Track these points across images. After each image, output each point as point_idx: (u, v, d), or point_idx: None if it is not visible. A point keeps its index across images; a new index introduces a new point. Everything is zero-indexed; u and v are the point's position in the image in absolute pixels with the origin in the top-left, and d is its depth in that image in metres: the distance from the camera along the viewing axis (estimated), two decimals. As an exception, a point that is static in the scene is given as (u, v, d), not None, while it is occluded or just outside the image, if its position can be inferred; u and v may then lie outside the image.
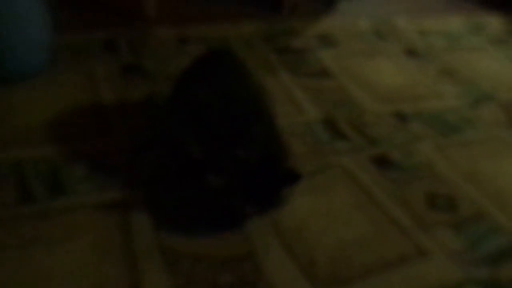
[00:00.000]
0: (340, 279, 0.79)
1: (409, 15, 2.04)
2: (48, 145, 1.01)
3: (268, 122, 0.91)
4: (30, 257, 0.75)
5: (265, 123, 0.89)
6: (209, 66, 0.99)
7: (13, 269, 0.73)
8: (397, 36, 1.80)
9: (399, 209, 0.97)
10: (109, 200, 0.89)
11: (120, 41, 1.46)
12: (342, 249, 0.85)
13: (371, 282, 0.80)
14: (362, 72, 1.49)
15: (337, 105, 1.31)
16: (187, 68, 1.04)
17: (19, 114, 1.09)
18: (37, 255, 0.76)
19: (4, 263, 0.74)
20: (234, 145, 0.82)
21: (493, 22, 2.05)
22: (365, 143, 1.17)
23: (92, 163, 0.97)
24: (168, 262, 0.78)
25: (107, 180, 0.94)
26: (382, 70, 1.53)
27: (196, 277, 0.76)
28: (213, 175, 0.87)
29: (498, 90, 1.51)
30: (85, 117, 1.11)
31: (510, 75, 1.63)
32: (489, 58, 1.72)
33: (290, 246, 0.84)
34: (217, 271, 0.78)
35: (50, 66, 1.26)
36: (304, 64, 1.49)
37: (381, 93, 1.40)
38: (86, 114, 1.12)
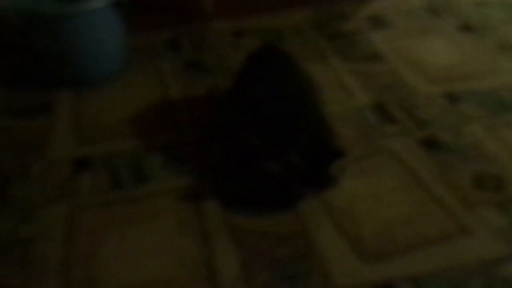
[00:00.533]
0: (385, 254, 0.89)
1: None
2: (130, 139, 1.19)
3: (314, 111, 1.01)
4: (123, 235, 0.93)
5: (311, 111, 0.99)
6: (261, 63, 1.11)
7: (111, 244, 0.92)
8: (451, 10, 1.77)
9: (445, 189, 1.03)
10: (183, 185, 1.05)
11: (182, 39, 1.60)
12: (387, 227, 0.94)
13: (413, 257, 0.88)
14: (414, 53, 1.51)
15: (387, 88, 1.36)
16: (243, 65, 1.17)
17: (104, 113, 1.28)
18: (129, 233, 0.94)
19: (104, 239, 0.93)
20: (285, 134, 0.94)
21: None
22: (414, 126, 1.22)
23: (167, 153, 1.14)
24: (235, 237, 0.93)
25: (180, 168, 1.10)
26: (434, 48, 1.54)
27: (258, 250, 0.90)
28: (270, 161, 0.99)
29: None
30: (158, 113, 1.28)
31: None
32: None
33: (340, 224, 0.95)
34: (276, 245, 0.91)
35: (125, 68, 1.44)
36: (354, 49, 1.54)
37: (432, 73, 1.42)
38: (158, 110, 1.29)
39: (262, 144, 1.02)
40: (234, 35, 1.63)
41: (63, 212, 0.99)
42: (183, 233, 0.94)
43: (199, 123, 1.24)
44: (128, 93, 1.35)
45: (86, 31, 1.27)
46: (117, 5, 1.31)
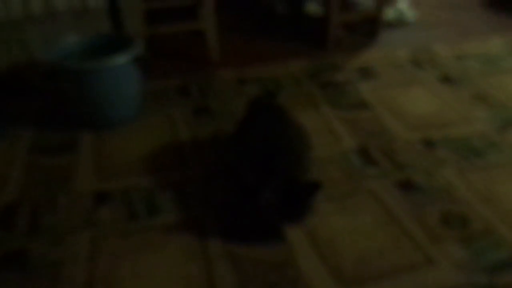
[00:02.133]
0: (361, 281, 1.05)
1: (450, 40, 2.17)
2: (144, 176, 1.36)
3: (294, 154, 1.20)
4: (138, 260, 1.09)
5: (292, 154, 1.19)
6: (257, 115, 1.31)
7: (128, 267, 1.07)
8: (434, 63, 1.98)
9: (415, 226, 1.19)
10: (190, 217, 1.21)
11: (191, 85, 1.81)
12: (364, 257, 1.10)
13: (386, 283, 1.04)
14: (396, 102, 1.70)
15: (371, 134, 1.54)
16: (243, 116, 1.37)
17: (121, 152, 1.46)
18: (142, 258, 1.10)
19: (122, 263, 1.09)
20: (272, 174, 1.12)
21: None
22: (392, 169, 1.39)
23: (176, 189, 1.31)
24: (233, 264, 1.09)
25: (187, 202, 1.27)
26: (416, 98, 1.73)
27: (254, 275, 1.06)
28: (264, 196, 1.16)
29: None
30: (168, 153, 1.46)
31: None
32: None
33: (322, 254, 1.11)
34: (269, 271, 1.07)
35: (141, 112, 1.64)
36: (344, 97, 1.73)
37: (412, 121, 1.60)
38: (169, 150, 1.47)
39: (256, 181, 1.20)
40: (238, 82, 1.83)
41: (87, 239, 1.15)
42: (189, 260, 1.10)
43: (204, 162, 1.41)
44: (142, 135, 1.54)
45: (110, 83, 1.47)
46: (137, 59, 1.52)
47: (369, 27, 2.24)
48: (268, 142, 1.21)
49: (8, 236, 1.16)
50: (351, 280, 1.05)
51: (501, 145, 1.48)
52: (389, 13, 2.36)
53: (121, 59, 1.45)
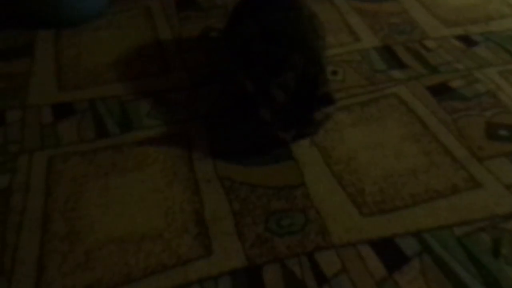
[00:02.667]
0: (387, 207, 0.83)
1: None
2: (115, 84, 1.10)
3: (309, 50, 0.90)
4: (107, 184, 0.87)
5: (306, 51, 0.89)
6: (260, 1, 0.99)
7: (94, 195, 0.85)
8: None
9: (455, 139, 0.95)
10: (172, 133, 0.97)
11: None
12: (391, 179, 0.88)
13: (418, 211, 0.82)
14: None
15: (398, 30, 1.25)
16: (239, 3, 1.05)
17: (87, 56, 1.18)
18: (113, 183, 0.88)
19: (87, 189, 0.87)
20: (276, 77, 0.85)
21: None
22: (424, 71, 1.12)
23: (155, 99, 1.05)
24: (226, 189, 0.86)
25: (169, 115, 1.02)
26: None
27: (251, 202, 0.84)
28: (264, 107, 0.90)
29: None
30: (146, 56, 1.18)
31: None
32: None
33: (339, 175, 0.88)
34: (270, 198, 0.85)
35: (110, 6, 1.32)
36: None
37: (448, 14, 1.30)
38: (147, 53, 1.19)
39: (255, 88, 0.93)
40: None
41: (42, 161, 0.92)
42: (171, 184, 0.87)
43: (190, 66, 1.14)
44: (113, 34, 1.24)
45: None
46: None
47: None
48: (275, 36, 0.91)
49: None
50: (375, 207, 0.83)
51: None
52: None
53: None
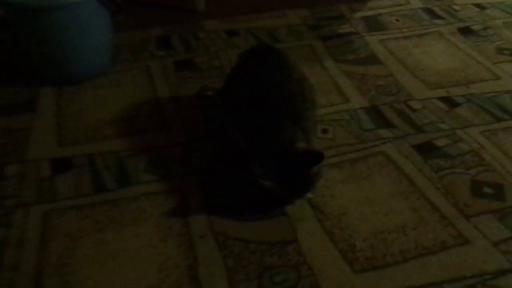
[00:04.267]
0: (378, 264, 0.84)
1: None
2: (114, 140, 1.13)
3: (301, 118, 0.96)
4: (103, 239, 0.88)
5: (296, 120, 0.95)
6: (253, 63, 1.06)
7: (91, 250, 0.86)
8: (451, 11, 1.73)
9: (442, 197, 0.98)
10: (168, 189, 1.00)
11: (173, 36, 1.55)
12: (381, 236, 0.90)
13: (409, 268, 0.84)
14: (412, 56, 1.47)
15: (384, 92, 1.32)
16: (235, 65, 1.12)
17: (87, 112, 1.22)
18: (109, 237, 0.88)
19: (82, 244, 0.87)
20: (268, 139, 0.90)
21: None
22: (410, 130, 1.18)
23: (152, 155, 1.09)
24: (220, 245, 0.88)
25: (166, 170, 1.04)
26: (434, 52, 1.50)
27: (245, 258, 0.85)
28: (256, 164, 0.94)
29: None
30: (145, 113, 1.22)
31: None
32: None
33: (331, 232, 0.90)
34: (264, 255, 0.86)
35: (112, 65, 1.39)
36: (350, 50, 1.50)
37: (430, 77, 1.38)
38: (146, 110, 1.23)
39: (248, 146, 0.98)
40: (227, 34, 1.58)
41: (38, 215, 0.93)
42: (166, 239, 0.88)
43: (187, 123, 1.19)
44: (114, 92, 1.30)
45: (72, 24, 1.21)
46: (105, 1, 1.26)
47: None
48: (263, 99, 0.97)
49: None
50: (366, 264, 0.84)
51: (533, 102, 1.27)
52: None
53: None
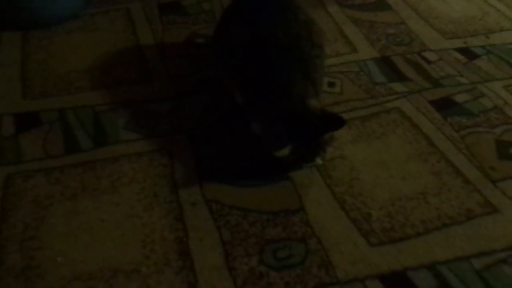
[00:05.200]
0: (397, 236, 0.74)
1: None
2: (90, 92, 0.99)
3: (310, 68, 0.82)
4: (76, 208, 0.75)
5: (305, 70, 0.81)
6: (253, 2, 0.89)
7: (62, 221, 0.74)
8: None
9: (466, 159, 0.87)
10: (153, 149, 0.86)
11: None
12: (400, 203, 0.78)
13: (431, 239, 0.73)
14: (426, 2, 1.32)
15: (396, 41, 1.18)
16: (229, 6, 0.96)
17: (60, 60, 1.07)
18: (83, 206, 0.76)
19: (51, 214, 0.75)
20: (273, 94, 0.77)
21: None
22: (426, 84, 1.05)
23: (135, 110, 0.94)
24: (215, 215, 0.76)
25: (150, 127, 0.91)
26: (450, -2, 1.35)
27: (244, 230, 0.73)
28: (256, 122, 0.81)
29: None
30: (125, 62, 1.07)
31: None
32: None
33: (342, 199, 0.79)
34: (265, 226, 0.74)
35: (86, 7, 1.21)
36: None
37: (446, 25, 1.24)
38: (126, 59, 1.08)
39: (247, 101, 0.84)
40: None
41: (1, 179, 0.79)
42: (151, 208, 0.76)
43: (174, 74, 1.04)
44: (88, 38, 1.13)
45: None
46: None
47: None
48: (265, 44, 0.82)
49: None
50: (383, 235, 0.74)
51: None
52: None
53: None
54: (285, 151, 0.75)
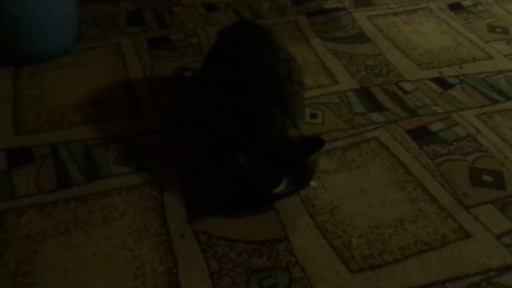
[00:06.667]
0: (376, 263, 0.77)
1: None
2: (81, 127, 1.01)
3: (289, 105, 0.87)
4: (68, 242, 0.78)
5: (285, 106, 0.86)
6: (236, 42, 0.95)
7: (55, 255, 0.76)
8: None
9: (440, 186, 0.92)
10: (143, 182, 0.89)
11: (145, 11, 1.42)
12: (378, 231, 0.83)
13: (408, 265, 0.77)
14: (402, 34, 1.39)
15: (374, 72, 1.24)
16: (215, 44, 1.01)
17: (52, 95, 1.09)
18: (75, 240, 0.78)
19: (44, 249, 0.77)
20: (255, 130, 0.82)
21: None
22: (403, 114, 1.10)
23: (125, 144, 0.98)
24: (202, 246, 0.79)
25: (140, 161, 0.94)
26: (424, 29, 1.42)
27: (230, 261, 0.77)
28: (243, 155, 0.85)
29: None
30: (116, 96, 1.10)
31: None
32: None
33: (324, 228, 0.83)
34: (251, 255, 0.77)
35: (78, 42, 1.25)
36: (337, 27, 1.40)
37: (422, 56, 1.30)
38: (116, 93, 1.11)
39: (233, 135, 0.88)
40: (204, 9, 1.45)
41: (-7, 216, 0.82)
42: (141, 240, 0.79)
43: (163, 109, 1.07)
44: (79, 73, 1.16)
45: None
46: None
47: None
48: (249, 82, 0.87)
49: None
50: (363, 263, 0.77)
51: (528, 83, 1.22)
52: None
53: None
54: (283, 186, 0.78)
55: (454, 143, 1.03)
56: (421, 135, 1.05)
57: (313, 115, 1.08)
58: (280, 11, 1.47)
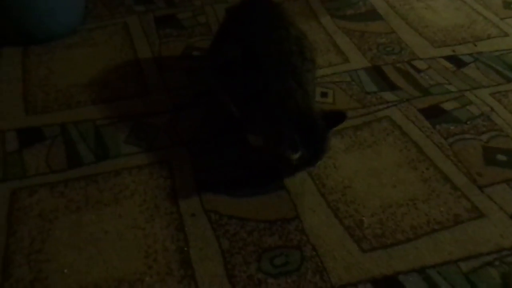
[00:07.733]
0: (388, 242, 0.77)
1: None
2: (90, 107, 1.01)
3: (302, 81, 0.85)
4: (80, 221, 0.78)
5: (299, 82, 0.84)
6: (246, 18, 0.92)
7: (67, 234, 0.76)
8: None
9: (454, 166, 0.91)
10: (153, 161, 0.89)
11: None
12: (390, 210, 0.82)
13: (421, 244, 0.77)
14: (415, 11, 1.36)
15: (387, 50, 1.21)
16: (224, 22, 0.99)
17: (60, 75, 1.09)
18: (87, 219, 0.79)
19: (56, 227, 0.77)
20: (274, 103, 0.79)
21: None
22: (416, 92, 1.08)
23: (134, 124, 0.97)
24: (214, 224, 0.79)
25: (150, 141, 0.94)
26: (438, 7, 1.38)
27: (241, 240, 0.76)
28: (253, 134, 0.85)
29: None
30: (123, 76, 1.10)
31: None
32: None
33: (336, 207, 0.82)
34: (262, 234, 0.77)
35: (85, 22, 1.24)
36: (348, 5, 1.37)
37: (435, 34, 1.27)
38: (124, 73, 1.10)
39: (243, 114, 0.87)
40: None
41: (6, 194, 0.82)
42: (152, 219, 0.79)
43: (171, 88, 1.06)
44: (87, 52, 1.16)
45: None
46: None
47: None
48: (259, 59, 0.85)
49: None
50: (375, 242, 0.77)
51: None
52: None
53: None
54: (299, 155, 0.76)
55: (468, 122, 1.01)
56: (434, 114, 1.03)
57: (324, 94, 1.07)
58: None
